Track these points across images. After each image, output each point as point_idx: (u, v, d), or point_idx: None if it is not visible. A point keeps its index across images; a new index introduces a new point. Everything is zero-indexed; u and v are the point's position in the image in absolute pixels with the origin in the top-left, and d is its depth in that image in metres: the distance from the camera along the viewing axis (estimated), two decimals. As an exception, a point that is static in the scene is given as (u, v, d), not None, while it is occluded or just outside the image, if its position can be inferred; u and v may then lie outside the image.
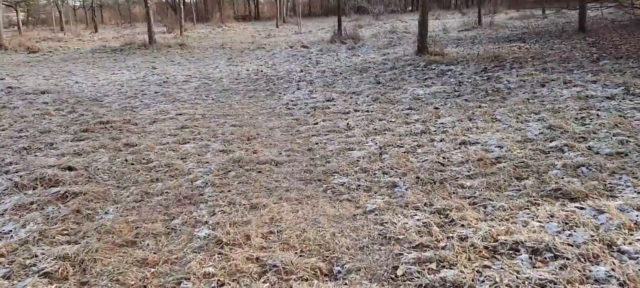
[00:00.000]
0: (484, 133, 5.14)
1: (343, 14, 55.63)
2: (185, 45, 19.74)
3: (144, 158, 4.91)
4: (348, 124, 5.96)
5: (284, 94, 8.34)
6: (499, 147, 4.64)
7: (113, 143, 5.56)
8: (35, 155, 5.18)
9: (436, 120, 5.83)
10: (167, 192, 3.99)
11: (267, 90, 8.82)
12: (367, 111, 6.63)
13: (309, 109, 7.03)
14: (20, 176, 4.42)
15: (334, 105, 7.23)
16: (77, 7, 50.02)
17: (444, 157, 4.47)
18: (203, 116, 6.84)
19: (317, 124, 6.10)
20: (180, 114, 6.99)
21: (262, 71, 11.30)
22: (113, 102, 8.19)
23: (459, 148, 4.72)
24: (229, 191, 3.95)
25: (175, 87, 9.61)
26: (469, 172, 4.07)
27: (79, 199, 3.86)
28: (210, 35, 28.62)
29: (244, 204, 3.65)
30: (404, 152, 4.70)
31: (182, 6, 27.89)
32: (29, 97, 8.82)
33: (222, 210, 3.56)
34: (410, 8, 52.11)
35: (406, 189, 3.78)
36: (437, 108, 6.52)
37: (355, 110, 6.72)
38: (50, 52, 19.89)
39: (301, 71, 11.03)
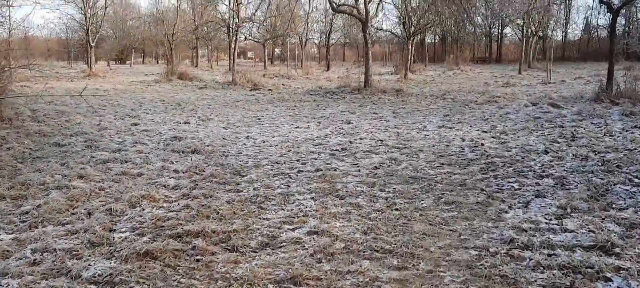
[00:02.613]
0: None
1: (607, 61, 46.20)
2: (402, 91, 17.14)
3: None
4: None
5: (510, 207, 4.67)
6: None
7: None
8: None
9: None
10: None
11: (482, 190, 5.24)
12: None
13: (564, 268, 3.31)
14: None
15: (620, 260, 3.35)
16: (316, 44, 53.00)
17: None
18: (345, 247, 3.77)
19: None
20: (315, 233, 4.06)
21: (482, 144, 7.66)
22: (255, 179, 5.80)
23: None
24: None
25: (350, 159, 6.82)
26: None
27: None
28: (437, 79, 25.64)
29: None
30: None
31: (410, 47, 25.61)
32: (175, 155, 7.14)
33: None
34: None
35: None
36: None
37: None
38: (269, 90, 19.76)
39: (546, 152, 7.03)
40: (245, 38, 43.46)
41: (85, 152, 7.00)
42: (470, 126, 9.65)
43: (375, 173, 6.00)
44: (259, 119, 11.09)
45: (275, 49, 61.90)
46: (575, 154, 6.82)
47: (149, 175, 5.80)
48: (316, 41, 55.05)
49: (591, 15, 56.82)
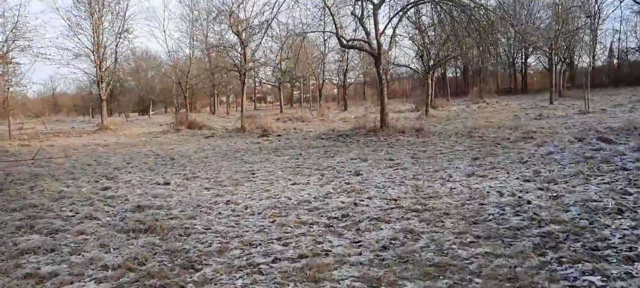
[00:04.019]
0: None
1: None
2: (423, 130, 15.37)
3: None
4: None
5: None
6: None
7: None
8: None
9: None
10: None
11: (544, 289, 3.41)
12: None
13: None
14: None
15: None
16: (335, 83, 51.69)
17: None
18: None
19: None
20: None
21: (529, 203, 5.78)
22: (210, 278, 4.09)
23: None
24: None
25: (351, 233, 5.06)
26: None
27: None
28: (461, 114, 23.78)
29: None
30: None
31: (429, 81, 23.94)
32: (122, 237, 5.52)
33: None
34: None
35: None
36: None
37: None
38: (278, 136, 18.25)
39: (619, 211, 5.13)
40: (261, 82, 42.68)
41: (8, 239, 5.42)
42: (508, 173, 7.79)
43: (383, 259, 4.22)
44: (253, 173, 9.45)
45: (295, 91, 61.12)
46: (663, 213, 4.92)
47: (62, 278, 4.15)
48: (335, 81, 53.96)
49: (619, 39, 54.33)
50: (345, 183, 7.85)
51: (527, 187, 6.64)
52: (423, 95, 25.34)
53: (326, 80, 50.83)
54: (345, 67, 41.16)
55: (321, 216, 5.80)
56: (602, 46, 49.46)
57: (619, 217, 4.92)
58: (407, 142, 13.11)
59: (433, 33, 21.63)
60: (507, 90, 52.95)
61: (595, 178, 6.78)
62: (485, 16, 13.85)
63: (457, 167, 8.70)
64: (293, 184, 8.08)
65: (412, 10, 17.23)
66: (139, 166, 11.37)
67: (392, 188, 7.19)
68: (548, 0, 32.78)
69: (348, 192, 7.10)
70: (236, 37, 22.39)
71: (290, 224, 5.49)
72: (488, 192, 6.52)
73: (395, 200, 6.39)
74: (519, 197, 5.99)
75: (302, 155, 11.84)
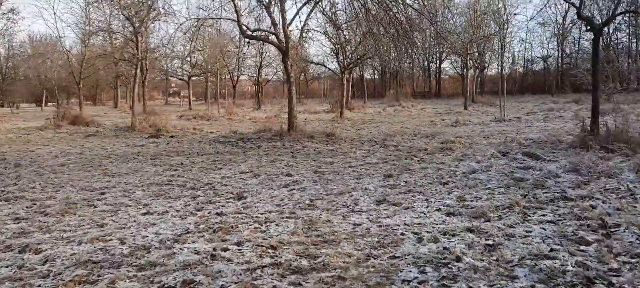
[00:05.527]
0: None
1: (546, 92, 45.34)
2: (334, 136, 13.68)
3: None
4: None
5: None
6: None
7: None
8: None
9: None
10: None
11: None
12: None
13: None
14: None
15: None
16: (252, 80, 49.15)
17: None
18: None
19: None
20: None
21: (459, 260, 4.05)
22: None
23: None
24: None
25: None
26: None
27: None
28: (376, 118, 22.52)
29: None
30: None
31: (345, 82, 22.42)
32: None
33: None
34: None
35: None
36: None
37: None
38: (172, 137, 15.75)
39: (588, 282, 3.54)
40: (167, 75, 38.99)
41: None
42: (426, 200, 6.14)
43: None
44: (102, 193, 7.10)
45: (213, 87, 57.42)
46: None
47: None
48: (253, 77, 51.26)
49: (525, 48, 57.01)
50: (217, 213, 5.78)
51: (452, 225, 4.97)
52: (339, 96, 23.83)
53: (243, 77, 48.25)
54: (259, 62, 38.87)
55: (150, 285, 3.70)
56: (510, 55, 51.40)
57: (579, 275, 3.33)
58: (314, 150, 11.30)
59: (348, 31, 20.15)
60: (422, 94, 53.55)
61: (534, 213, 5.28)
62: (403, 11, 12.39)
63: (366, 188, 6.96)
64: (145, 214, 5.89)
65: (326, 3, 15.50)
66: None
67: (277, 225, 5.24)
68: (463, 7, 32.86)
69: (213, 231, 5.04)
70: (128, 22, 19.38)
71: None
72: (403, 233, 4.76)
73: (275, 249, 4.44)
74: (444, 248, 4.27)
75: (182, 166, 9.60)
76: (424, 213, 5.49)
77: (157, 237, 4.91)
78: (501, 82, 19.32)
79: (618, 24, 37.14)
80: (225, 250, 4.43)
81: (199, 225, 5.30)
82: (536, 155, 8.87)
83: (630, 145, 8.78)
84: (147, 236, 4.97)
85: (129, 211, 6.04)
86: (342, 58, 22.07)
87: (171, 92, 68.41)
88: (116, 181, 8.13)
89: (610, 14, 11.29)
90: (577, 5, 10.50)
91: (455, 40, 24.29)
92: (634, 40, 41.75)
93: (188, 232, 5.04)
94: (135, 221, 5.56)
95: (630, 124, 9.59)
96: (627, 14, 25.19)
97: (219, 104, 30.19)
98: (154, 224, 5.41)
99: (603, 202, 5.51)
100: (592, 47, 10.16)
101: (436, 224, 5.05)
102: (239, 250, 4.43)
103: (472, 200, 5.99)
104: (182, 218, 5.60)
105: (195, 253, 4.36)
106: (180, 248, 4.52)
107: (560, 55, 47.95)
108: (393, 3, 12.27)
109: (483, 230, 4.75)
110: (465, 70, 29.91)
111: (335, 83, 49.57)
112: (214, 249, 4.44)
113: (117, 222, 5.53)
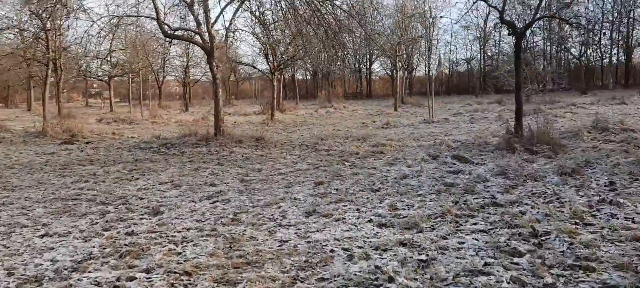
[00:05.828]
0: None
1: (470, 93, 47.33)
2: (264, 140, 13.19)
3: None
4: None
5: None
6: None
7: None
8: None
9: None
10: None
11: None
12: None
13: None
14: None
15: None
16: (179, 81, 47.26)
17: None
18: None
19: None
20: None
21: (391, 281, 3.76)
22: None
23: None
24: None
25: None
26: None
27: None
28: (308, 119, 22.26)
29: None
30: None
31: (275, 84, 21.95)
32: None
33: None
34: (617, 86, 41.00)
35: None
36: None
37: None
38: (88, 143, 14.58)
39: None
40: (85, 76, 36.44)
41: None
42: (358, 210, 5.86)
43: None
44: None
45: (136, 88, 54.52)
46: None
47: None
48: (180, 78, 49.26)
49: (450, 50, 59.33)
50: (127, 233, 5.15)
51: (384, 238, 4.70)
52: (270, 97, 23.34)
53: (169, 77, 46.31)
54: (186, 62, 37.45)
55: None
56: (437, 57, 53.24)
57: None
58: (241, 156, 10.77)
59: (277, 32, 19.71)
60: (354, 95, 54.11)
61: (466, 222, 5.14)
62: (332, 12, 12.15)
63: (295, 198, 6.58)
64: (43, 236, 5.14)
65: (252, 2, 14.98)
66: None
67: (195, 245, 4.72)
68: (391, 10, 33.43)
69: (120, 256, 4.44)
70: (36, 17, 17.73)
71: None
72: (332, 250, 4.42)
73: (190, 275, 3.93)
74: (376, 266, 3.97)
75: (95, 176, 8.73)
76: (355, 226, 5.19)
77: (52, 265, 4.25)
78: (429, 83, 19.71)
79: (535, 28, 39.53)
80: (131, 279, 3.87)
81: (105, 248, 4.67)
82: (465, 159, 8.91)
83: (552, 146, 9.05)
84: (41, 264, 4.30)
85: (24, 233, 5.26)
86: (272, 59, 21.59)
87: (93, 93, 64.53)
88: (15, 196, 7.20)
89: (531, 18, 11.70)
90: (500, 9, 10.77)
91: (384, 42, 24.59)
92: (548, 44, 44.61)
93: (90, 258, 4.41)
94: (29, 245, 4.83)
95: (551, 125, 9.91)
96: (542, 19, 26.80)
97: (142, 106, 28.62)
98: (51, 249, 4.71)
99: (531, 208, 5.49)
100: (515, 50, 10.41)
101: (368, 238, 4.76)
102: (147, 279, 3.88)
103: (404, 209, 5.78)
104: (86, 241, 4.93)
105: (95, 285, 3.76)
106: (79, 279, 3.91)
107: (482, 57, 50.25)
108: (321, 4, 12.00)
109: (416, 243, 4.51)
110: (394, 71, 30.42)
111: (266, 83, 48.86)
112: (118, 279, 3.86)
113: (8, 248, 4.78)
